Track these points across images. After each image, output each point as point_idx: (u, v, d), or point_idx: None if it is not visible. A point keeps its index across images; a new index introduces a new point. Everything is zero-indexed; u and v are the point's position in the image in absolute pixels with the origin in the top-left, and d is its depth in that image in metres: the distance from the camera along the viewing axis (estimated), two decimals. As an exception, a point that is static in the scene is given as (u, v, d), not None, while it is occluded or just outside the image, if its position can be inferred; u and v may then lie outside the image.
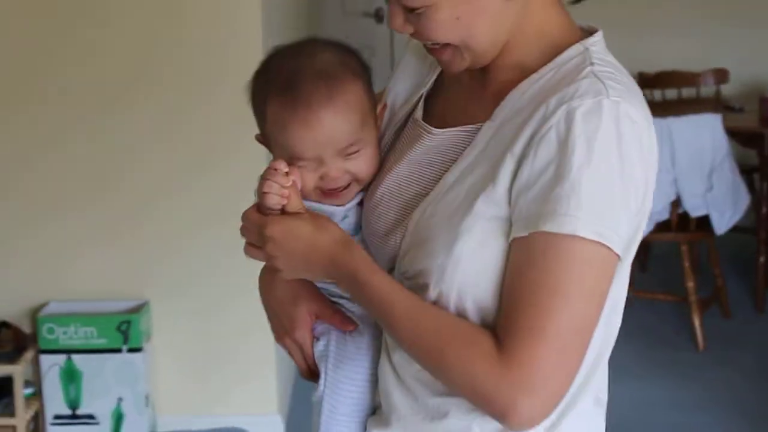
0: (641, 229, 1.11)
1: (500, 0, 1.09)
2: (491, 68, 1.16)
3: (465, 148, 1.15)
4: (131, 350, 3.49)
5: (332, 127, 1.16)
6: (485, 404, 1.07)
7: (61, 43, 3.51)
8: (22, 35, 3.52)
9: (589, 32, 1.15)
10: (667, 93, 5.42)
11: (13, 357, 3.40)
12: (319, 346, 1.26)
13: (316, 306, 1.25)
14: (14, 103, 3.54)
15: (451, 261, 1.09)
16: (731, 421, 3.62)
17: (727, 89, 5.49)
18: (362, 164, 1.21)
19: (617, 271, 1.08)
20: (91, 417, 3.51)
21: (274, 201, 1.15)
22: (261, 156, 2.54)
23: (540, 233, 1.03)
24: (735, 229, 4.36)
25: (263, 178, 1.16)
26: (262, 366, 3.67)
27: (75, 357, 3.45)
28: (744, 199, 4.29)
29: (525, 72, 1.13)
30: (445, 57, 1.15)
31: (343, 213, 1.24)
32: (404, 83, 1.33)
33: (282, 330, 1.29)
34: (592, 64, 1.08)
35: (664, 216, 4.25)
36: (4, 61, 3.52)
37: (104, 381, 3.47)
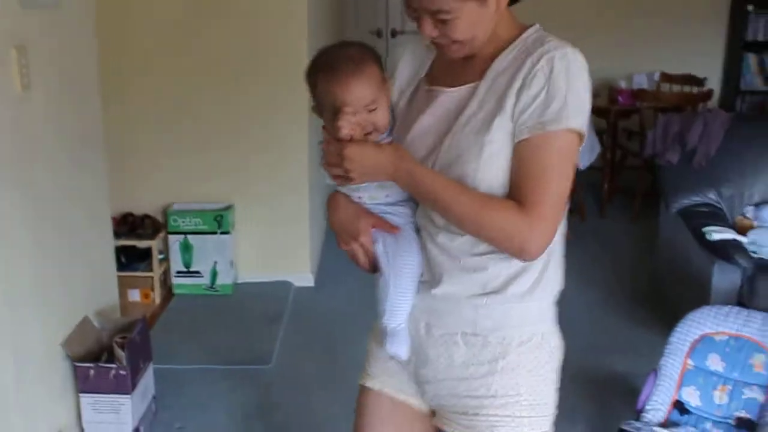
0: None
1: (492, 11, 1.32)
2: (483, 50, 1.38)
3: (470, 98, 1.36)
4: (223, 233, 4.03)
5: (357, 88, 1.36)
6: (511, 241, 1.29)
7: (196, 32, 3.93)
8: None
9: (529, 25, 1.38)
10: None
11: (152, 235, 4.01)
12: (379, 246, 1.43)
13: (372, 219, 1.44)
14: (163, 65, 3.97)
15: (480, 163, 1.30)
16: (584, 286, 3.90)
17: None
18: (379, 117, 1.40)
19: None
20: (197, 272, 4.11)
21: (346, 131, 1.35)
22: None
23: (542, 134, 1.26)
24: (591, 168, 4.62)
25: (339, 122, 1.35)
26: (299, 245, 4.24)
27: (189, 236, 4.05)
28: (597, 149, 4.74)
29: (498, 48, 1.36)
30: (453, 48, 1.35)
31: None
32: (406, 71, 1.53)
33: (348, 238, 1.45)
34: (547, 36, 1.34)
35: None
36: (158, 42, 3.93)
37: (206, 251, 4.06)
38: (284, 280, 4.27)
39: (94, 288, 2.91)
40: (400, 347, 1.45)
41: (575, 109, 1.28)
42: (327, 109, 1.40)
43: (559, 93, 1.27)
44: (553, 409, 1.46)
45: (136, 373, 2.70)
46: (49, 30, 2.50)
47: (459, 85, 1.40)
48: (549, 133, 1.28)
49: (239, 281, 4.25)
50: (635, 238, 4.99)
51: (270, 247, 4.22)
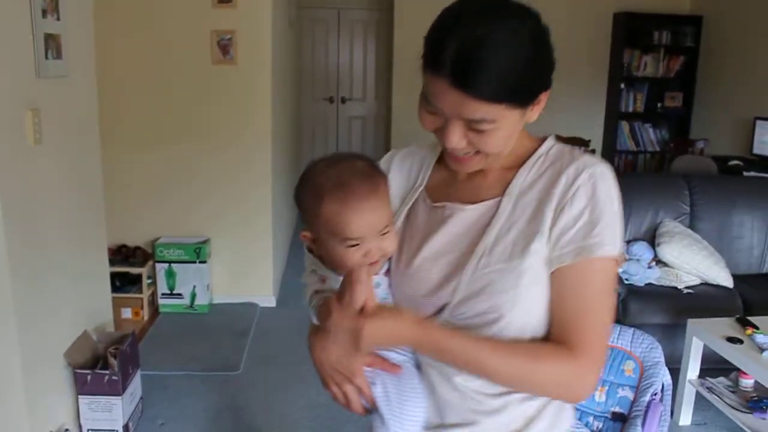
0: None
1: (520, 124, 0.98)
2: (494, 165, 1.05)
3: (491, 217, 1.01)
4: (201, 262, 3.96)
5: (377, 211, 1.01)
6: (567, 391, 0.96)
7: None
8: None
9: (542, 137, 1.07)
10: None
11: (142, 263, 3.93)
12: (377, 389, 1.02)
13: (369, 358, 1.03)
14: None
15: (517, 294, 0.96)
16: None
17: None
18: (391, 242, 1.04)
19: None
20: (180, 295, 4.01)
21: (360, 300, 0.94)
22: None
23: (587, 260, 0.94)
24: None
25: (352, 282, 0.93)
26: (263, 272, 4.16)
27: (173, 265, 3.97)
28: None
29: (515, 163, 1.04)
30: (474, 161, 1.00)
31: (376, 281, 1.05)
32: (397, 186, 1.15)
33: (340, 380, 1.02)
34: (570, 148, 1.03)
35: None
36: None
37: (187, 277, 3.97)
38: (251, 302, 4.23)
39: (92, 307, 2.87)
40: None
41: (617, 233, 0.98)
42: (331, 236, 1.01)
43: (604, 216, 0.97)
44: None
45: (126, 378, 2.66)
46: (59, 95, 2.50)
47: (476, 202, 1.05)
48: (594, 260, 0.96)
49: (214, 302, 4.20)
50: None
51: (239, 274, 4.17)
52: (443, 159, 1.08)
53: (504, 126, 0.95)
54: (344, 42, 7.24)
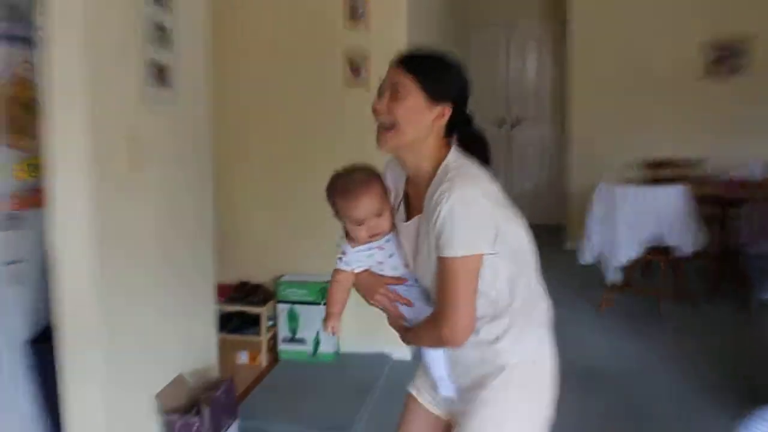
0: (502, 230, 1.57)
1: (429, 121, 1.61)
2: (418, 176, 1.67)
3: (419, 227, 1.66)
4: (326, 304, 3.73)
5: (370, 204, 1.69)
6: (438, 340, 1.65)
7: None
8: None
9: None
10: (661, 172, 5.83)
11: (262, 303, 4.09)
12: (401, 308, 1.81)
13: (386, 280, 1.81)
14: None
15: (429, 273, 1.66)
16: (680, 374, 3.80)
17: (700, 170, 5.78)
18: (384, 221, 1.72)
19: (504, 239, 1.58)
20: (302, 340, 4.12)
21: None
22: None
23: (442, 257, 1.56)
24: (700, 254, 4.66)
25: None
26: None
27: (296, 306, 4.07)
28: (700, 237, 4.55)
29: (431, 178, 1.64)
30: (386, 137, 1.61)
31: (384, 254, 1.76)
32: (392, 180, 1.82)
33: (372, 292, 1.82)
34: (451, 167, 1.59)
35: (652, 244, 4.59)
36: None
37: (310, 320, 4.05)
38: (383, 352, 4.24)
39: (193, 348, 3.03)
40: (449, 390, 1.78)
41: (462, 240, 1.53)
42: (346, 219, 1.71)
43: (446, 228, 1.53)
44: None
45: (217, 429, 2.80)
46: (164, 123, 2.68)
47: (414, 215, 1.70)
48: (445, 258, 1.55)
49: (341, 351, 4.26)
50: (739, 327, 4.70)
51: (370, 320, 3.93)
52: (407, 183, 1.77)
53: (412, 98, 1.59)
54: (515, 59, 7.24)
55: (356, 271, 1.78)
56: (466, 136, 1.68)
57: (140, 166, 2.50)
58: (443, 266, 1.55)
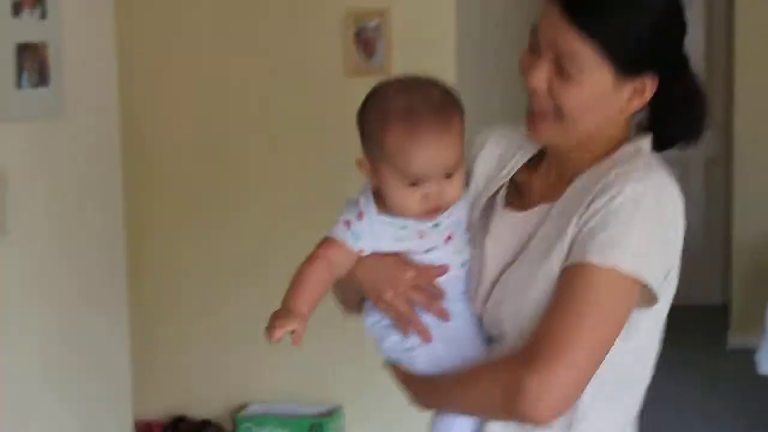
0: (673, 285, 1.26)
1: (618, 105, 1.24)
2: (569, 162, 1.30)
3: (539, 226, 1.29)
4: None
5: (446, 150, 1.27)
6: (510, 399, 1.18)
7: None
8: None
9: (637, 138, 1.32)
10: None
11: None
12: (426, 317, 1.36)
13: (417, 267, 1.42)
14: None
15: (525, 307, 1.24)
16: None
17: None
18: (455, 188, 1.31)
19: (646, 323, 1.24)
20: None
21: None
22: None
23: (582, 262, 1.18)
24: None
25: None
26: None
27: None
28: None
29: (591, 164, 1.28)
30: (546, 127, 1.27)
31: (423, 244, 1.34)
32: (486, 168, 1.43)
33: (386, 287, 1.38)
34: (644, 156, 1.27)
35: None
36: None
37: None
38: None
39: None
40: None
41: (630, 251, 1.19)
42: (391, 169, 1.29)
43: (614, 224, 1.20)
44: None
45: None
46: (42, 147, 2.46)
47: (531, 206, 1.35)
48: (589, 265, 1.19)
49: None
50: None
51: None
52: (537, 159, 1.41)
53: (591, 83, 1.23)
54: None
55: (365, 252, 1.35)
56: (676, 97, 1.30)
57: (5, 224, 2.30)
58: (575, 279, 1.19)
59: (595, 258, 1.17)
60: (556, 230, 1.25)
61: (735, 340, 5.55)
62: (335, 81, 3.28)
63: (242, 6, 3.37)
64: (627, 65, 1.22)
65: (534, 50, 1.26)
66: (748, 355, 4.19)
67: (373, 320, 1.37)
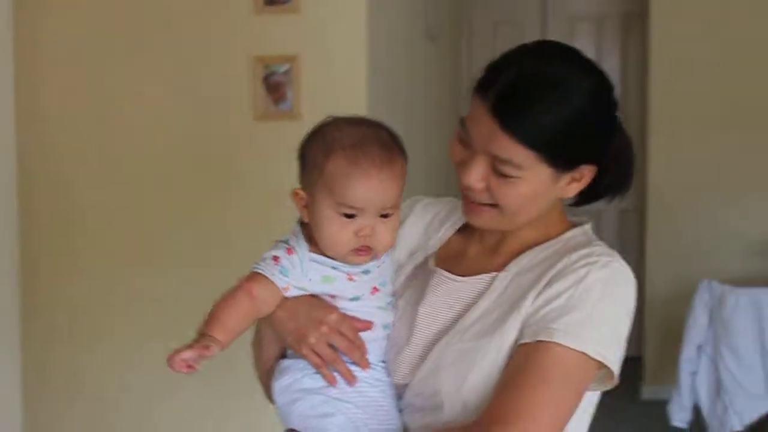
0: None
1: (556, 193, 1.23)
2: (510, 235, 1.29)
3: (481, 295, 1.26)
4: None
5: (387, 185, 1.23)
6: None
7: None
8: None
9: (579, 223, 1.32)
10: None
11: None
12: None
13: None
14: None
15: (467, 381, 1.20)
16: None
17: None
18: (389, 230, 1.26)
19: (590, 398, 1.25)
20: None
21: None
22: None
23: (547, 342, 1.15)
24: None
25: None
26: None
27: None
28: None
29: (535, 242, 1.28)
30: (484, 215, 1.25)
31: (351, 289, 1.29)
32: (411, 237, 1.40)
33: (315, 325, 1.31)
34: (597, 241, 1.28)
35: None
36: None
37: None
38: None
39: None
40: None
41: (600, 333, 1.19)
42: (328, 197, 1.24)
43: (585, 305, 1.18)
44: None
45: None
46: None
47: (468, 274, 1.32)
48: (554, 345, 1.16)
49: None
50: None
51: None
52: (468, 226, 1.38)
53: (529, 181, 1.20)
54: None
55: (289, 293, 1.28)
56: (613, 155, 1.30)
57: None
58: (537, 355, 1.16)
59: (561, 339, 1.15)
60: (506, 304, 1.23)
61: (648, 391, 5.53)
62: (244, 124, 3.22)
63: (151, 46, 3.29)
64: (563, 160, 1.20)
65: (465, 144, 1.23)
66: (661, 407, 4.25)
67: (289, 381, 1.28)
